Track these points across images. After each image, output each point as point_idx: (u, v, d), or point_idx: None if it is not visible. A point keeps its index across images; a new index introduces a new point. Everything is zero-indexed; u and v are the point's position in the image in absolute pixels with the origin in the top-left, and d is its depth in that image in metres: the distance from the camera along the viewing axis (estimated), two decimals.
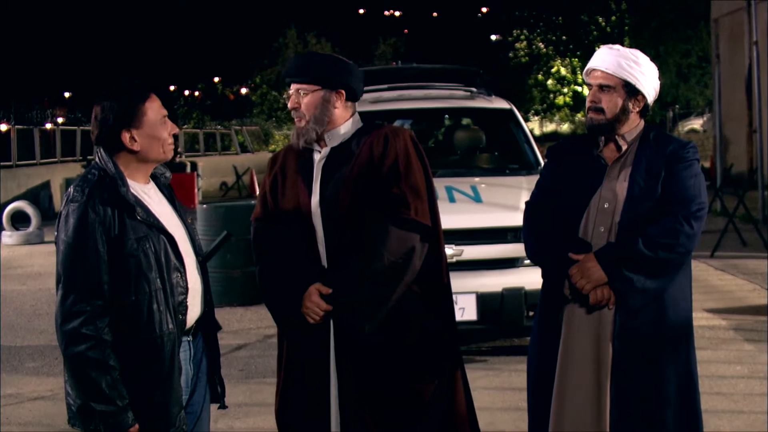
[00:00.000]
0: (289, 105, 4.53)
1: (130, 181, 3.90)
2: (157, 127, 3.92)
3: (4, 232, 20.21)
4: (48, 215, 24.29)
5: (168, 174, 4.17)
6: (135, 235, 3.80)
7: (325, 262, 4.45)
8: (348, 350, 4.41)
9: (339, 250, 4.41)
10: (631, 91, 4.51)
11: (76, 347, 3.73)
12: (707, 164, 25.89)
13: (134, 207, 3.82)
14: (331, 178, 4.45)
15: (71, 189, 3.85)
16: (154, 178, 4.08)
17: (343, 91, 4.49)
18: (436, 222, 4.52)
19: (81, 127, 32.44)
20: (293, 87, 4.50)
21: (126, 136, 3.88)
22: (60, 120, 33.70)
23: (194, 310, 4.03)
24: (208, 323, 4.18)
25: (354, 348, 4.40)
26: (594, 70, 4.56)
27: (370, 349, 4.39)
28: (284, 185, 4.56)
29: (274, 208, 4.58)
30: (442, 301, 4.59)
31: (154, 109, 3.93)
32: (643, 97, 4.54)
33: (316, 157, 4.53)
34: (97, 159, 3.93)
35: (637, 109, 4.56)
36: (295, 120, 4.51)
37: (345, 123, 4.52)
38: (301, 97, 4.47)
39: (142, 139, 3.90)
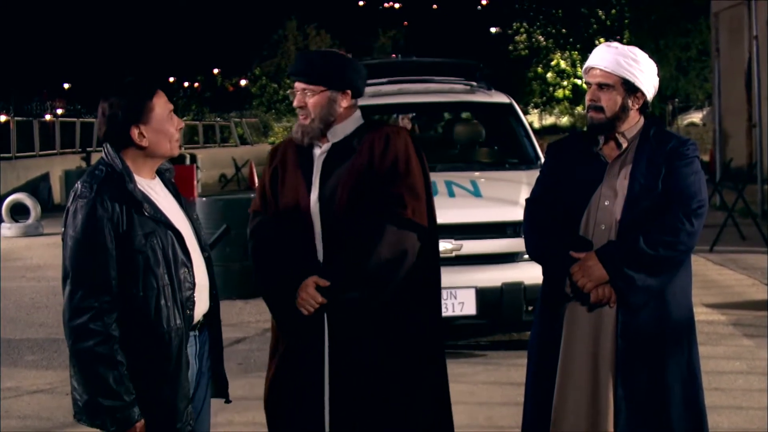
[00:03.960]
0: (294, 103, 4.52)
1: (136, 177, 3.91)
2: (164, 122, 3.93)
3: (3, 224, 20.21)
4: (47, 207, 24.30)
5: (172, 170, 4.18)
6: (143, 231, 3.82)
7: (321, 257, 4.47)
8: (341, 347, 4.44)
9: (335, 246, 4.43)
10: (630, 88, 4.50)
11: (84, 343, 3.74)
12: (706, 158, 25.89)
13: (142, 203, 3.84)
14: (331, 173, 4.47)
15: (78, 185, 3.87)
16: (159, 173, 4.09)
17: (350, 91, 4.50)
18: (432, 222, 4.55)
19: (80, 119, 32.44)
20: (298, 86, 4.50)
21: (135, 132, 3.89)
22: (59, 111, 33.70)
23: (201, 305, 4.05)
24: (213, 318, 4.20)
25: (348, 345, 4.43)
26: (593, 68, 4.55)
27: (363, 347, 4.42)
28: (284, 179, 4.57)
29: (273, 201, 4.59)
30: (433, 299, 4.64)
31: (161, 105, 3.93)
32: (643, 94, 4.54)
33: (317, 152, 4.54)
34: (103, 155, 3.93)
35: (637, 106, 4.55)
36: (300, 117, 4.51)
37: (347, 120, 4.53)
38: (307, 96, 4.47)
39: (150, 135, 3.91)
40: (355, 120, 4.57)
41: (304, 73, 4.48)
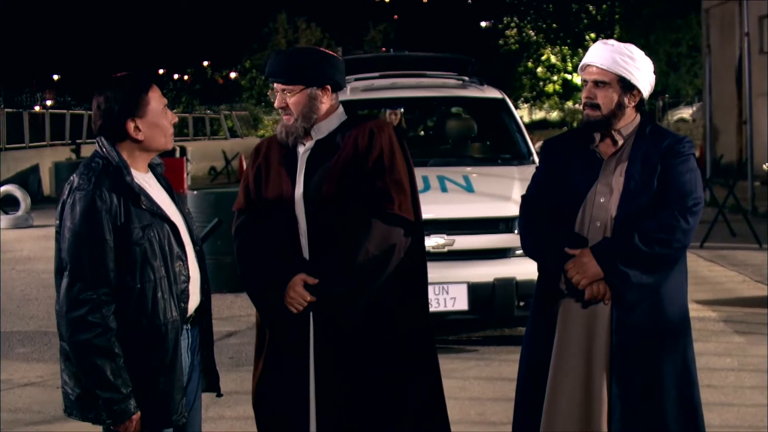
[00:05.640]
0: (275, 104, 4.51)
1: (132, 170, 3.92)
2: (159, 116, 3.95)
3: None
4: (37, 199, 24.23)
5: (162, 164, 4.19)
6: (140, 224, 3.83)
7: (306, 254, 4.48)
8: (327, 342, 4.45)
9: (321, 242, 4.44)
10: (626, 86, 4.50)
11: (83, 335, 3.74)
12: (696, 153, 25.95)
13: (139, 195, 3.85)
14: (315, 170, 4.47)
15: (75, 177, 3.87)
16: (151, 168, 4.09)
17: (329, 86, 4.49)
18: (418, 216, 4.55)
19: (70, 111, 32.38)
20: (278, 86, 4.49)
21: (131, 126, 3.90)
22: (49, 103, 33.63)
23: (194, 298, 4.07)
24: (204, 312, 4.21)
25: (333, 340, 4.44)
26: (589, 65, 4.56)
27: (349, 342, 4.43)
28: (267, 176, 4.57)
29: (256, 199, 4.60)
30: (420, 293, 4.65)
31: (156, 99, 3.95)
32: (639, 91, 4.54)
33: (301, 149, 4.54)
34: (98, 148, 3.93)
35: (633, 103, 4.56)
36: (283, 117, 4.51)
37: (330, 116, 4.52)
38: (287, 96, 4.46)
39: (145, 129, 3.92)
40: (339, 116, 4.57)
41: (281, 74, 4.47)
